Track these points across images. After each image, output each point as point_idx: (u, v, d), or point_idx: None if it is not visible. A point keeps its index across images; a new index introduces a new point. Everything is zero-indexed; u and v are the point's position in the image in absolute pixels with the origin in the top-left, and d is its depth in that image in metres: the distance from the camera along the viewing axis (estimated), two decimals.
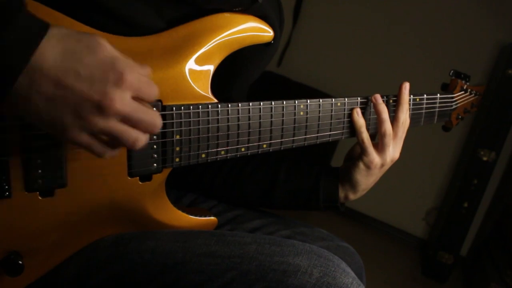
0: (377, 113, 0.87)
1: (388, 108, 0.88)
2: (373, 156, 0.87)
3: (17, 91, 0.49)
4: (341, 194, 0.91)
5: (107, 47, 0.52)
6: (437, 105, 1.04)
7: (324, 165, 0.95)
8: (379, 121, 0.87)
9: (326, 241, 0.94)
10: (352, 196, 0.91)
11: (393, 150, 0.88)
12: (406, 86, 0.91)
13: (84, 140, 0.54)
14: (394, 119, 0.89)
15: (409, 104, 0.94)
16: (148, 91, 0.55)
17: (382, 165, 0.88)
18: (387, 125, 0.87)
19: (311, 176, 0.92)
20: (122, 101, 0.52)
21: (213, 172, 0.96)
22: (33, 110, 0.51)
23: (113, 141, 0.55)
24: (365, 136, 0.87)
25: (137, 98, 0.54)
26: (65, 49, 0.50)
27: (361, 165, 0.87)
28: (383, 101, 0.89)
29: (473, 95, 1.16)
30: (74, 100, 0.50)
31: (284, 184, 0.92)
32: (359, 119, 0.87)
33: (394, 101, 0.92)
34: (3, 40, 0.47)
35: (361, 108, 0.88)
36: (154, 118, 0.56)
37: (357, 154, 0.89)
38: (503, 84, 2.14)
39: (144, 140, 0.57)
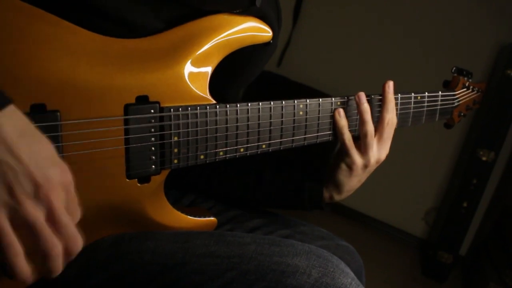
0: (359, 113, 0.85)
1: (373, 108, 0.87)
2: (355, 157, 0.85)
3: None
4: (326, 194, 0.90)
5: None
6: (439, 102, 1.03)
7: (309, 165, 0.95)
8: (360, 122, 0.85)
9: (325, 240, 0.94)
10: (337, 197, 0.90)
11: (378, 151, 0.86)
12: (390, 85, 0.88)
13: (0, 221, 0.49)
14: (379, 119, 0.87)
15: (397, 104, 0.92)
16: (75, 208, 0.55)
17: (366, 166, 0.86)
18: (368, 126, 0.85)
19: (297, 177, 0.92)
20: (59, 196, 0.52)
21: (210, 172, 0.96)
22: None
23: (30, 238, 0.52)
24: (347, 137, 0.86)
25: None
26: (25, 129, 0.51)
27: (343, 166, 0.86)
28: (368, 100, 0.87)
29: (475, 92, 1.14)
30: (16, 172, 0.49)
31: (269, 184, 0.92)
32: (341, 120, 0.86)
33: (379, 100, 0.89)
34: None
35: (343, 109, 0.86)
36: (78, 236, 0.55)
37: (341, 155, 0.89)
38: (503, 84, 2.14)
39: (60, 263, 0.55)
